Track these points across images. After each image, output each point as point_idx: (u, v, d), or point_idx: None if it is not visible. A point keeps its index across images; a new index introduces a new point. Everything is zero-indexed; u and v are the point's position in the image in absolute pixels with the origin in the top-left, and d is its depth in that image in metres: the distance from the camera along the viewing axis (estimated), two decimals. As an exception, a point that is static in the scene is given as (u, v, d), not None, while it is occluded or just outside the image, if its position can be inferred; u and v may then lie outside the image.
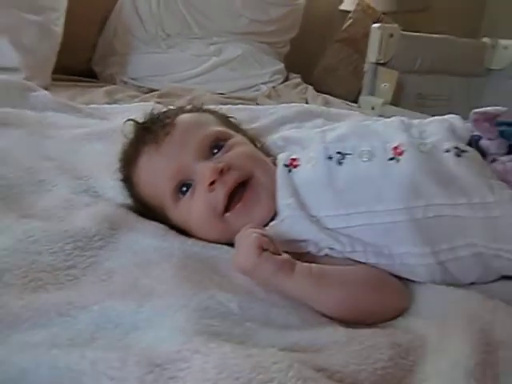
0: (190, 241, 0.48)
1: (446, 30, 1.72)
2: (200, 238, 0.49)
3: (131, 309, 0.38)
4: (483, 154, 0.47)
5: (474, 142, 0.48)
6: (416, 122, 0.52)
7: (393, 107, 1.36)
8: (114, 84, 1.20)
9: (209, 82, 1.26)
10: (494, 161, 0.47)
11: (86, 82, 1.18)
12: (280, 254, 0.41)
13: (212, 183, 0.46)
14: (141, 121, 0.55)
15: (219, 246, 0.47)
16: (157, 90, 1.17)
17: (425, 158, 0.45)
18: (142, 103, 0.94)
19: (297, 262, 0.41)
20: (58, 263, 0.43)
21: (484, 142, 0.48)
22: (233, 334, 0.34)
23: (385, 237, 0.44)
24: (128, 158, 0.53)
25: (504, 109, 0.51)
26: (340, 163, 0.47)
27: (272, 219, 0.47)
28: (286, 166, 0.49)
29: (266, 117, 0.93)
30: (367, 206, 0.44)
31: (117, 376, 0.29)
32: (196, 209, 0.48)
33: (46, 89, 0.98)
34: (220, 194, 0.46)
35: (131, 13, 1.25)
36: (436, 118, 0.53)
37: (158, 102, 1.03)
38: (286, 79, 1.41)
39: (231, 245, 0.45)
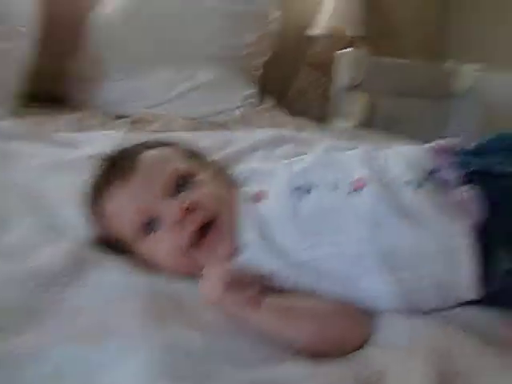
0: (157, 276, 0.47)
1: (413, 54, 1.79)
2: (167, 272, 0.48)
3: (96, 349, 0.37)
4: (443, 184, 0.49)
5: (433, 173, 0.50)
6: (379, 152, 0.54)
7: (363, 131, 1.39)
8: (84, 110, 1.18)
9: (181, 107, 1.26)
10: (453, 190, 0.48)
11: (56, 108, 1.16)
12: (247, 289, 0.41)
13: (177, 222, 0.47)
14: (109, 155, 0.55)
15: (186, 279, 0.47)
16: (128, 117, 1.16)
17: (385, 190, 0.46)
18: (111, 132, 0.92)
19: (264, 296, 0.42)
20: (20, 304, 0.41)
21: (443, 173, 0.50)
22: (196, 374, 0.34)
23: (349, 267, 0.44)
24: (95, 192, 0.53)
25: (459, 140, 0.54)
26: (305, 195, 0.48)
27: (237, 253, 0.47)
28: (252, 199, 0.50)
29: (238, 142, 0.94)
30: (331, 237, 0.45)
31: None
32: (162, 246, 0.48)
33: (11, 116, 0.97)
34: (185, 232, 0.47)
35: (101, 38, 1.25)
36: (398, 148, 0.55)
37: (129, 129, 1.04)
38: (259, 103, 1.43)
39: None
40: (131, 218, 0.49)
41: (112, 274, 0.47)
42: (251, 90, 1.41)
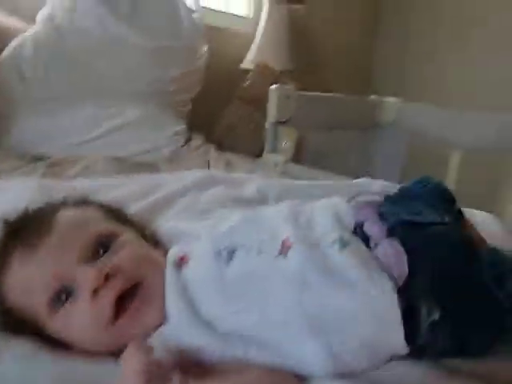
0: (65, 360, 0.42)
1: (342, 87, 1.87)
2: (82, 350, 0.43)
3: None
4: (367, 239, 0.49)
5: (358, 227, 0.50)
6: (304, 207, 0.53)
7: (295, 165, 1.41)
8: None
9: (105, 146, 1.20)
10: (376, 245, 0.48)
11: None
12: (170, 380, 0.37)
13: (96, 290, 0.42)
14: (12, 219, 0.49)
15: (101, 361, 0.42)
16: (46, 157, 1.08)
17: (311, 252, 0.45)
18: (24, 180, 0.85)
19: (188, 381, 0.38)
20: None
21: (367, 227, 0.50)
22: None
23: (277, 333, 0.43)
24: None
25: (382, 197, 0.54)
26: (229, 260, 0.45)
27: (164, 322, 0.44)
28: (175, 264, 0.47)
29: (166, 187, 0.90)
30: (257, 302, 0.43)
31: None
32: (78, 319, 0.43)
33: None
34: (106, 302, 0.43)
35: (12, 75, 1.16)
36: (323, 202, 0.55)
37: (45, 174, 0.96)
38: (188, 140, 1.40)
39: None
40: (40, 290, 0.44)
41: (10, 362, 0.41)
42: (179, 127, 1.38)
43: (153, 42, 1.33)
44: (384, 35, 2.43)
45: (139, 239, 0.51)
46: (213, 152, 1.36)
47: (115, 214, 0.54)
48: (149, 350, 0.39)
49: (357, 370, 0.44)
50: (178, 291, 0.44)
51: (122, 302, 0.43)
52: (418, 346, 0.45)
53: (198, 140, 1.43)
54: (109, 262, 0.44)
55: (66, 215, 0.48)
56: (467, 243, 0.52)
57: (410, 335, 0.44)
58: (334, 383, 0.42)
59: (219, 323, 0.43)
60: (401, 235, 0.49)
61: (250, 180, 1.02)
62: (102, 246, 0.46)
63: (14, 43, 1.19)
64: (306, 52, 1.81)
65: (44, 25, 1.22)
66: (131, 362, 0.37)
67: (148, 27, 1.32)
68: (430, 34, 2.28)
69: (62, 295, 0.44)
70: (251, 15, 1.96)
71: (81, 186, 0.86)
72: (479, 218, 0.95)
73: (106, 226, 0.48)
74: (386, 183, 1.15)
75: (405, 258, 0.46)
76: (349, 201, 0.60)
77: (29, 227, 0.47)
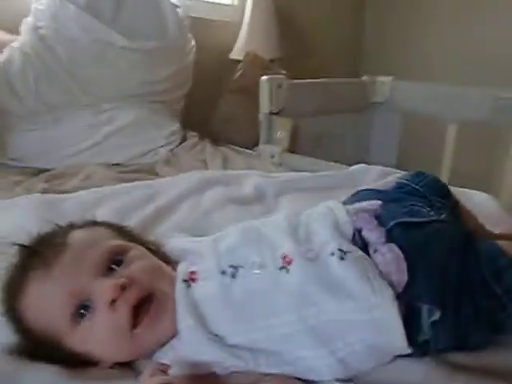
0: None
1: (332, 71, 1.87)
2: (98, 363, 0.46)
3: None
4: (366, 246, 0.50)
5: (356, 233, 0.51)
6: (301, 218, 0.54)
7: (291, 155, 1.42)
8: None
9: (102, 153, 1.21)
10: (376, 251, 0.50)
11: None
12: None
13: (113, 301, 0.45)
14: (26, 243, 0.51)
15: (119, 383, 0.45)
16: (44, 170, 1.10)
17: (311, 266, 0.47)
18: (27, 197, 0.86)
19: None
20: None
21: (365, 233, 0.51)
22: None
23: (284, 345, 0.45)
24: (13, 287, 0.49)
25: (379, 203, 0.55)
26: (233, 277, 0.47)
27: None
28: (185, 281, 0.49)
29: (164, 193, 0.92)
30: (263, 319, 0.45)
31: None
32: (99, 330, 0.45)
33: None
34: (123, 311, 0.45)
35: (4, 88, 1.16)
36: (321, 209, 0.56)
37: (46, 189, 0.98)
38: (184, 139, 1.41)
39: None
40: (60, 307, 0.46)
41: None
42: (174, 127, 1.39)
43: (140, 44, 1.33)
44: (372, 15, 2.41)
45: (148, 254, 0.53)
46: (209, 148, 1.36)
47: (123, 231, 0.56)
48: (165, 369, 0.41)
49: (363, 370, 0.46)
50: (187, 308, 0.46)
51: (138, 312, 0.46)
52: (421, 342, 0.47)
53: (193, 138, 1.44)
54: (123, 273, 0.47)
55: (77, 235, 0.51)
56: (465, 238, 0.53)
57: (413, 333, 0.46)
58: None
59: (228, 338, 0.45)
60: (399, 238, 0.50)
61: (247, 176, 1.04)
62: (114, 261, 0.48)
63: (2, 56, 1.19)
64: (294, 38, 1.80)
65: (29, 36, 1.21)
66: (150, 382, 0.40)
67: (133, 29, 1.32)
68: (418, 12, 2.25)
69: (81, 310, 0.46)
70: (236, 2, 1.94)
71: (84, 199, 0.88)
72: (476, 199, 0.97)
73: (116, 242, 0.51)
74: (383, 168, 1.16)
75: (404, 264, 0.48)
76: (346, 202, 0.62)
77: (43, 249, 0.49)
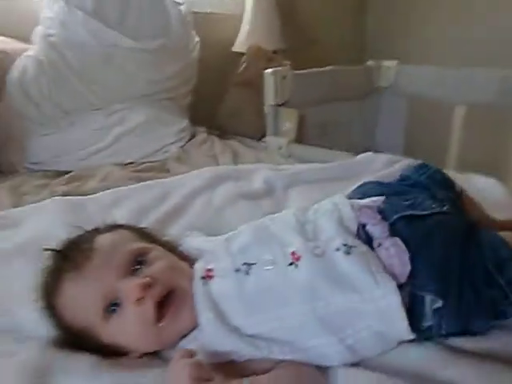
0: (119, 373, 0.50)
1: (336, 59, 1.87)
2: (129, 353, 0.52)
3: None
4: (370, 240, 0.54)
5: (361, 228, 0.55)
6: (310, 213, 0.59)
7: (299, 146, 1.45)
8: (17, 172, 1.16)
9: (115, 153, 1.26)
10: (379, 245, 0.53)
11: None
12: (212, 379, 0.45)
13: (139, 298, 0.50)
14: (58, 248, 0.56)
15: (148, 371, 0.50)
16: (64, 172, 1.16)
17: (318, 261, 0.51)
18: (50, 200, 0.92)
19: (229, 381, 0.45)
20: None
21: (369, 228, 0.55)
22: None
23: (296, 334, 0.49)
24: (49, 287, 0.55)
25: (381, 199, 0.59)
26: (247, 274, 0.52)
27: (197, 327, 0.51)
28: (202, 277, 0.54)
29: (177, 191, 0.96)
30: (275, 312, 0.50)
31: None
32: (128, 324, 0.51)
33: None
34: (148, 307, 0.50)
35: (21, 98, 1.22)
36: (327, 205, 0.59)
37: (67, 191, 1.03)
38: (193, 135, 1.45)
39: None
40: (92, 305, 0.51)
41: (75, 379, 0.49)
42: (183, 123, 1.43)
43: (145, 44, 1.37)
44: (375, 1, 2.39)
45: (168, 253, 0.58)
46: (218, 144, 1.41)
47: (143, 233, 0.61)
48: (192, 354, 0.47)
49: (370, 355, 0.50)
50: (206, 303, 0.51)
51: (161, 307, 0.51)
52: (424, 328, 0.51)
53: (202, 134, 1.48)
54: (146, 273, 0.52)
55: (103, 239, 0.56)
56: (468, 228, 0.56)
57: (417, 319, 0.50)
58: (348, 370, 0.49)
59: (245, 330, 0.50)
60: (402, 231, 0.54)
61: (257, 171, 1.08)
62: (137, 262, 0.53)
63: (16, 66, 1.24)
64: (297, 28, 1.81)
65: (41, 44, 1.26)
66: (178, 366, 0.45)
67: (139, 30, 1.36)
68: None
69: (111, 307, 0.51)
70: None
71: (103, 200, 0.93)
72: (482, 184, 0.99)
73: (138, 244, 0.56)
74: (389, 156, 1.19)
75: (407, 256, 0.51)
76: (351, 195, 0.65)
77: (74, 253, 0.54)
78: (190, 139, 1.41)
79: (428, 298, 0.51)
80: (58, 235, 0.74)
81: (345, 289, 0.49)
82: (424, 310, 0.51)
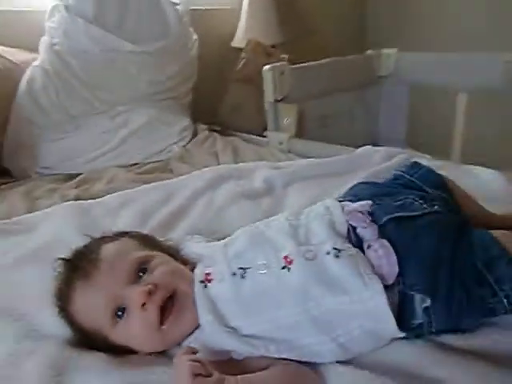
0: (129, 370, 0.55)
1: (336, 49, 1.88)
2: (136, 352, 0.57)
3: None
4: (360, 242, 0.57)
5: (351, 231, 0.58)
6: (301, 219, 0.61)
7: (299, 141, 1.48)
8: (29, 177, 1.22)
9: (122, 154, 1.31)
10: (369, 247, 0.56)
11: (1, 183, 1.19)
12: (211, 375, 0.49)
13: (143, 304, 0.55)
14: (67, 257, 0.61)
15: (156, 368, 0.55)
16: (73, 175, 1.21)
17: (310, 265, 0.54)
18: (60, 205, 0.98)
19: (226, 377, 0.49)
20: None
21: (360, 231, 0.58)
22: None
23: (290, 334, 0.53)
24: (62, 294, 0.60)
25: (369, 203, 0.61)
26: (243, 278, 0.56)
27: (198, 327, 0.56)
28: (202, 281, 0.58)
29: (180, 192, 1.01)
30: (270, 313, 0.53)
31: None
32: (134, 328, 0.56)
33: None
34: (152, 312, 0.55)
35: (30, 105, 1.27)
36: (318, 209, 0.62)
37: (78, 195, 1.09)
38: (195, 133, 1.49)
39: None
40: (101, 311, 0.56)
41: (89, 376, 0.54)
42: (185, 122, 1.47)
43: (145, 47, 1.40)
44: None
45: (169, 258, 0.62)
46: (219, 141, 1.45)
47: (146, 240, 0.66)
48: (193, 351, 0.51)
49: (363, 352, 0.53)
50: (206, 305, 0.55)
51: (164, 310, 0.55)
52: (415, 325, 0.53)
53: (203, 131, 1.52)
54: (149, 280, 0.56)
55: (109, 248, 0.60)
56: (458, 227, 0.58)
57: (407, 317, 0.52)
58: (340, 368, 0.52)
59: (242, 330, 0.54)
60: (391, 233, 0.56)
61: (257, 170, 1.12)
62: (140, 269, 0.58)
63: (26, 76, 1.29)
64: (295, 20, 1.82)
65: (47, 54, 1.31)
66: (180, 363, 0.49)
67: (138, 33, 1.40)
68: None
69: (118, 312, 0.56)
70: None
71: (110, 204, 0.98)
72: (484, 177, 1.01)
73: (141, 253, 0.60)
74: (388, 149, 1.21)
75: (394, 257, 0.54)
76: (344, 196, 0.68)
77: (82, 263, 0.59)
78: (191, 138, 1.45)
79: (417, 296, 0.53)
80: (69, 240, 0.82)
81: (335, 291, 0.52)
82: (414, 308, 0.53)
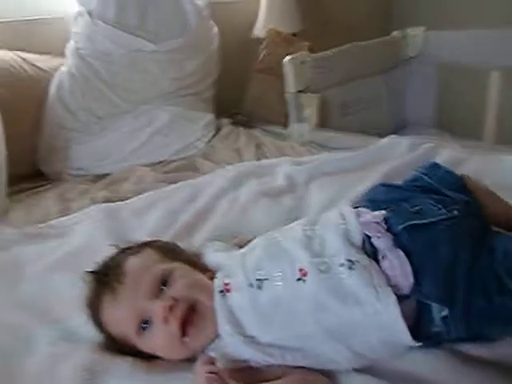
0: (155, 374, 0.59)
1: (361, 32, 1.83)
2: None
3: None
4: (375, 252, 0.57)
5: (366, 241, 0.58)
6: (318, 225, 0.62)
7: (321, 132, 1.47)
8: (62, 179, 1.28)
9: (147, 153, 1.36)
10: (384, 257, 0.56)
11: (37, 186, 1.25)
12: (227, 382, 0.52)
13: (165, 317, 0.58)
14: (95, 271, 0.65)
15: (181, 373, 0.58)
16: (102, 175, 1.27)
17: (324, 277, 0.55)
18: (91, 208, 1.03)
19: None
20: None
21: (374, 240, 0.58)
22: None
23: (306, 343, 0.55)
24: (92, 304, 0.65)
25: (383, 213, 0.60)
26: (259, 289, 0.57)
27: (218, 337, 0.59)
28: (221, 292, 0.60)
29: (205, 190, 1.04)
30: (286, 324, 0.55)
31: None
32: (158, 339, 0.60)
33: (5, 212, 1.08)
34: (174, 324, 0.58)
35: (60, 109, 1.32)
36: (333, 218, 0.62)
37: (108, 197, 1.14)
38: (218, 128, 1.51)
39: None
40: (127, 323, 0.60)
41: (119, 380, 0.59)
42: (208, 117, 1.49)
43: (166, 45, 1.43)
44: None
45: (189, 269, 0.65)
46: (242, 136, 1.46)
47: (168, 250, 0.69)
48: (212, 361, 0.55)
49: (380, 359, 0.54)
50: (225, 315, 0.58)
51: (186, 321, 0.58)
52: (435, 332, 0.53)
53: (226, 126, 1.54)
54: (170, 294, 0.59)
55: (132, 262, 0.64)
56: (479, 232, 0.57)
57: (426, 325, 0.53)
58: (357, 377, 0.53)
59: (260, 339, 0.56)
60: (407, 241, 0.56)
61: (278, 166, 1.13)
62: (162, 282, 0.61)
63: (55, 81, 1.35)
64: (316, 5, 1.78)
65: (73, 58, 1.36)
66: (199, 375, 0.53)
67: (159, 32, 1.42)
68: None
69: (143, 324, 0.60)
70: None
71: (138, 205, 1.03)
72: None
73: (162, 267, 0.63)
74: (412, 140, 1.19)
75: (409, 268, 0.54)
76: (358, 204, 0.68)
77: (109, 276, 0.63)
78: (215, 133, 1.48)
79: (435, 306, 0.53)
80: (100, 243, 0.87)
81: (349, 303, 0.53)
82: (432, 316, 0.53)
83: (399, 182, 0.82)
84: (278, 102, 1.64)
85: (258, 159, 1.23)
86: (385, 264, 0.55)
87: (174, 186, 1.08)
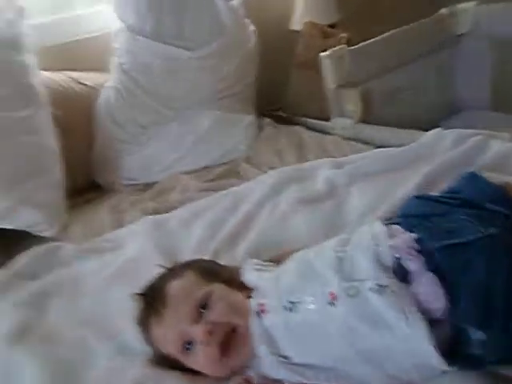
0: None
1: (405, 15, 1.72)
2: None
3: None
4: (405, 275, 0.57)
5: (397, 263, 0.58)
6: (349, 247, 0.63)
7: (365, 126, 1.43)
8: (115, 190, 1.36)
9: (191, 159, 1.40)
10: (415, 280, 0.56)
11: (91, 198, 1.34)
12: None
13: (205, 341, 0.62)
14: (143, 292, 0.71)
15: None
16: (149, 184, 1.34)
17: (353, 301, 0.56)
18: (141, 221, 1.09)
19: None
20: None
21: (405, 262, 0.58)
22: None
23: (339, 364, 0.57)
24: (142, 323, 0.71)
25: (413, 236, 0.60)
26: (292, 311, 0.60)
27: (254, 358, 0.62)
28: (257, 314, 0.63)
29: (246, 198, 1.07)
30: (319, 346, 0.58)
31: None
32: (200, 359, 0.64)
33: (65, 227, 1.17)
34: (213, 347, 0.62)
35: (109, 122, 1.39)
36: (365, 239, 0.63)
37: (156, 208, 1.20)
38: (260, 128, 1.52)
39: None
40: (172, 343, 0.66)
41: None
42: (249, 118, 1.50)
43: (203, 51, 1.45)
44: None
45: (227, 290, 0.68)
46: (284, 136, 1.47)
47: (208, 271, 0.72)
48: (250, 379, 0.59)
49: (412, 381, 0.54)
50: (261, 336, 0.61)
51: (225, 343, 0.62)
52: (472, 355, 0.53)
53: (268, 127, 1.54)
54: (209, 319, 0.63)
55: (174, 287, 0.68)
56: None
57: (463, 347, 0.53)
58: None
59: (294, 359, 0.59)
60: (441, 262, 0.55)
61: (319, 168, 1.13)
62: (202, 306, 0.65)
63: (101, 98, 1.42)
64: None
65: (117, 74, 1.41)
66: None
67: (195, 39, 1.44)
68: None
69: (187, 345, 0.65)
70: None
71: (183, 216, 1.08)
72: None
73: (201, 291, 0.66)
74: (459, 132, 1.14)
75: (441, 291, 0.54)
76: (388, 221, 0.68)
77: (154, 301, 0.68)
78: (257, 134, 1.49)
79: (471, 329, 0.53)
80: (149, 256, 0.93)
81: (379, 327, 0.54)
82: (468, 339, 0.53)
83: (439, 186, 0.79)
84: (318, 97, 1.61)
85: (300, 161, 1.23)
86: (416, 288, 0.55)
87: (217, 195, 1.12)
